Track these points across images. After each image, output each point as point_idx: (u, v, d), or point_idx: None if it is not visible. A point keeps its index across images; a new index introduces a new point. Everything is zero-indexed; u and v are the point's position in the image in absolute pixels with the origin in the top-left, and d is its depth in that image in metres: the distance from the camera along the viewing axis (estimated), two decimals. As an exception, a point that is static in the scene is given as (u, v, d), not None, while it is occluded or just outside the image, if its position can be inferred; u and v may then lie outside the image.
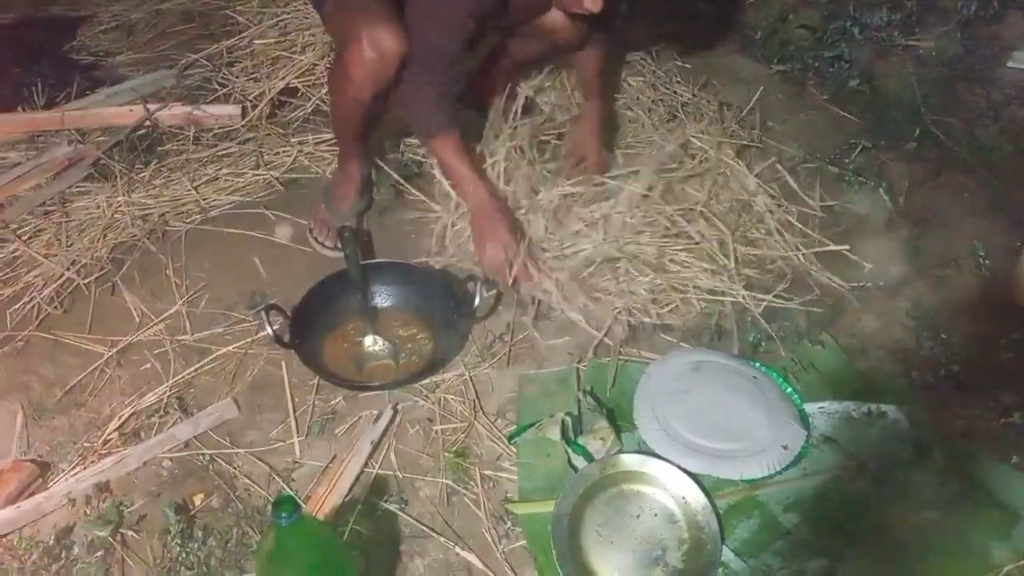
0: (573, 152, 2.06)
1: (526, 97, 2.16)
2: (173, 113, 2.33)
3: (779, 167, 2.13)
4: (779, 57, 2.51)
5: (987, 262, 1.93)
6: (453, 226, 1.97)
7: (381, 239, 2.03)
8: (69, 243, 2.01)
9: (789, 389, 1.68)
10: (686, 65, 2.49)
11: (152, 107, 2.31)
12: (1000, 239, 1.99)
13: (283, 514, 1.09)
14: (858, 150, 2.19)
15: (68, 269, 1.94)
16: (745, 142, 2.19)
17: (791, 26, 2.63)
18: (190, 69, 2.52)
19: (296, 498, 1.12)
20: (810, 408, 1.64)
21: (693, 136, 2.13)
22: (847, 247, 1.95)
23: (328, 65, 2.36)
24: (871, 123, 2.31)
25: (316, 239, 2.00)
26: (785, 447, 1.55)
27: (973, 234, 2.01)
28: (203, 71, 2.51)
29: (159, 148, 2.26)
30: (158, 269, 1.95)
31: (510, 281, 1.72)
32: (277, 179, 2.16)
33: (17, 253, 2.00)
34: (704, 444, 1.56)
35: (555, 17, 1.87)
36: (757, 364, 1.73)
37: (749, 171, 2.07)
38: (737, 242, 1.91)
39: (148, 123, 2.30)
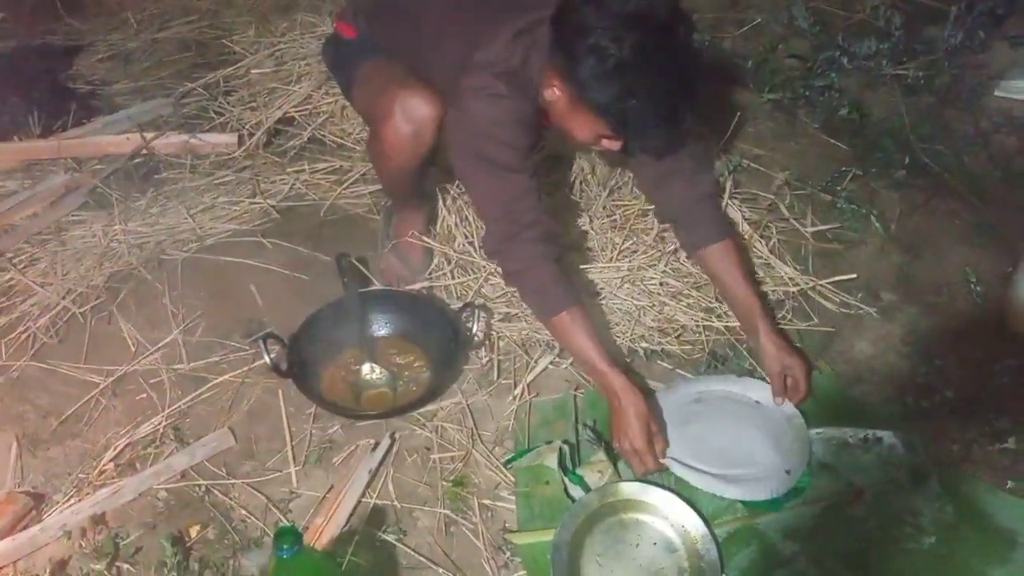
0: (778, 370, 1.69)
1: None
2: (170, 142, 2.34)
3: (770, 195, 2.15)
4: (770, 86, 2.54)
5: (978, 288, 1.95)
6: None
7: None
8: (65, 272, 2.01)
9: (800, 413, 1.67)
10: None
11: (149, 136, 2.33)
12: (991, 265, 2.01)
13: (284, 546, 1.09)
14: (849, 177, 2.21)
15: (64, 298, 1.94)
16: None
17: (781, 56, 2.67)
18: (187, 98, 2.54)
19: (297, 529, 1.11)
20: (807, 435, 1.64)
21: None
22: (853, 275, 1.96)
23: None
24: (861, 151, 2.34)
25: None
26: (788, 472, 1.56)
27: (964, 260, 2.03)
28: (200, 100, 2.53)
29: (155, 176, 2.28)
30: (154, 298, 1.95)
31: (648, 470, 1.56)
32: (274, 207, 2.17)
33: (12, 282, 1.99)
34: (706, 471, 1.57)
35: None
36: (761, 386, 1.71)
37: (739, 200, 2.10)
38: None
39: (145, 152, 2.31)
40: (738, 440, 1.63)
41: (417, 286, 1.92)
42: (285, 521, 1.54)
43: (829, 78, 2.53)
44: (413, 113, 1.64)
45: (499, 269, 1.71)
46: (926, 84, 2.51)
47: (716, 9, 2.92)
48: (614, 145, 1.54)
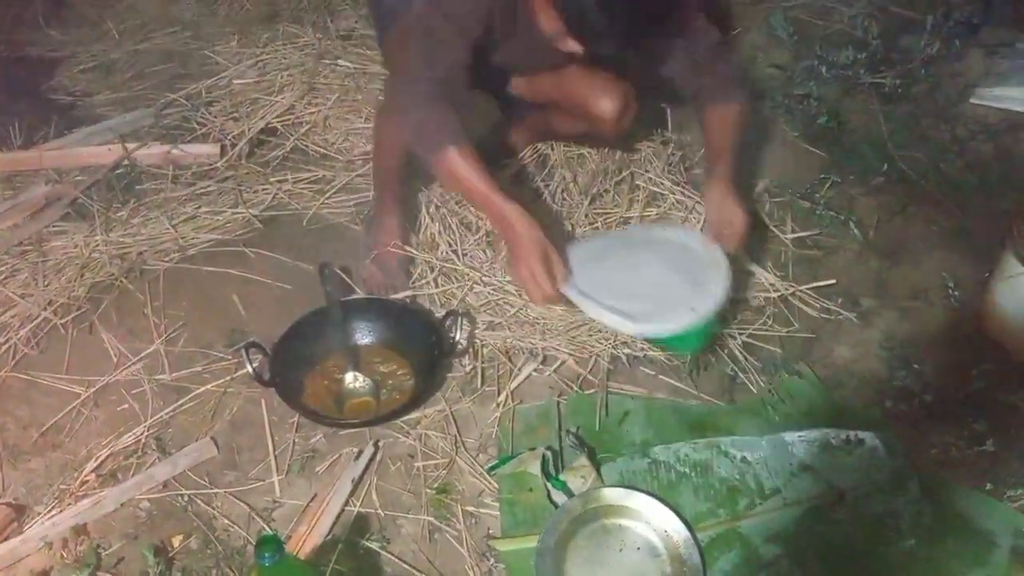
0: (718, 216, 1.75)
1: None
2: (152, 152, 2.33)
3: (750, 202, 2.17)
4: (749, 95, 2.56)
5: (956, 293, 1.98)
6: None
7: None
8: (46, 283, 1.99)
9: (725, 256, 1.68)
10: (661, 105, 2.54)
11: (130, 146, 2.32)
12: (968, 271, 2.04)
13: (266, 554, 1.09)
14: (828, 184, 2.24)
15: (45, 309, 1.92)
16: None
17: (760, 65, 2.69)
18: (169, 109, 2.53)
19: (279, 538, 1.11)
20: (789, 437, 1.66)
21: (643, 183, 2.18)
22: (832, 281, 1.99)
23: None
24: (840, 158, 2.36)
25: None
26: (693, 309, 1.54)
27: (941, 266, 2.06)
28: (182, 111, 2.51)
29: (137, 187, 2.26)
30: (136, 308, 1.94)
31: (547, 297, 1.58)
32: (256, 217, 2.17)
33: (-7, 295, 1.98)
34: (614, 305, 1.56)
35: (595, 100, 1.83)
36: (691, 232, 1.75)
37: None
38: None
39: (126, 162, 2.30)
40: (650, 276, 1.61)
41: (402, 295, 1.93)
42: (268, 530, 1.53)
43: (807, 87, 2.55)
44: None
45: (396, 119, 1.67)
46: (903, 92, 2.55)
47: (696, 19, 2.94)
48: (575, 47, 1.51)
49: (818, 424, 1.69)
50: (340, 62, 2.58)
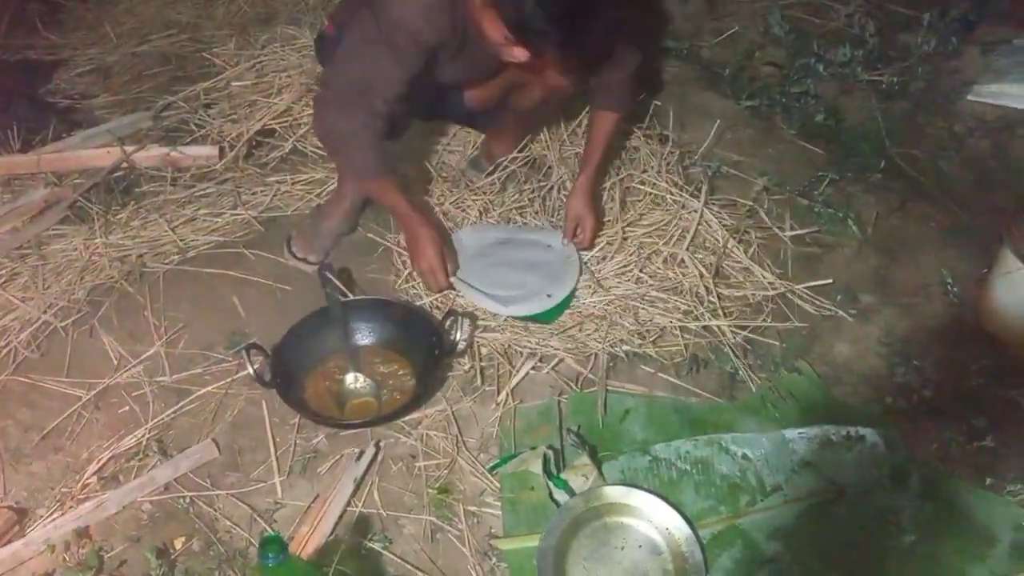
0: (572, 219, 2.00)
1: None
2: (150, 155, 2.33)
3: (749, 200, 2.18)
4: (747, 93, 2.58)
5: (955, 289, 1.98)
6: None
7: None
8: (46, 286, 1.99)
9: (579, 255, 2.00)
10: (656, 102, 2.54)
11: (129, 149, 2.32)
12: (966, 267, 2.05)
13: (270, 554, 1.09)
14: (826, 182, 2.25)
15: (45, 312, 1.93)
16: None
17: (758, 63, 2.70)
18: (167, 111, 2.53)
19: (282, 538, 1.11)
20: (790, 434, 1.66)
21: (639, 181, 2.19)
22: (830, 280, 2.00)
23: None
24: (838, 156, 2.37)
25: (293, 252, 2.06)
26: (549, 295, 1.90)
27: (940, 262, 2.07)
28: (180, 113, 2.52)
29: (136, 190, 2.27)
30: (136, 311, 1.94)
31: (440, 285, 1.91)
32: (255, 218, 2.17)
33: (-7, 297, 1.98)
34: (488, 290, 1.92)
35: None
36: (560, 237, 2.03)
37: (717, 205, 2.13)
38: (716, 281, 1.95)
39: (125, 165, 2.30)
40: (520, 271, 1.97)
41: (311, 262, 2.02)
42: (270, 531, 1.54)
43: (805, 85, 2.57)
44: None
45: (322, 122, 1.81)
46: (900, 90, 2.56)
47: (693, 18, 2.95)
48: (522, 55, 1.58)
49: (818, 421, 1.69)
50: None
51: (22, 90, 2.68)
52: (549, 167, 2.26)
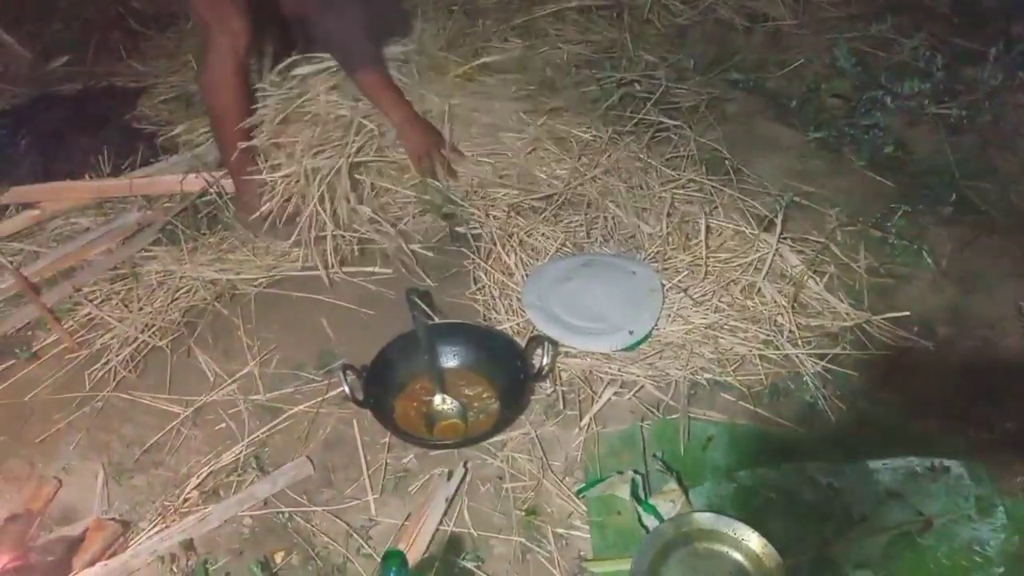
0: (413, 157, 2.33)
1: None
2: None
3: (822, 232, 2.20)
4: (815, 124, 2.61)
5: (1031, 323, 1.99)
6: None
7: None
8: (140, 307, 2.08)
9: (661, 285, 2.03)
10: (723, 131, 2.59)
11: (216, 174, 2.41)
12: (1042, 301, 2.06)
13: (392, 569, 1.14)
14: (898, 214, 2.26)
15: (142, 332, 2.01)
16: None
17: (824, 95, 2.73)
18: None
19: (403, 554, 1.16)
20: (874, 464, 1.68)
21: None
22: (907, 313, 2.00)
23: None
24: (908, 188, 2.39)
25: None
26: (631, 332, 1.90)
27: (1016, 295, 2.07)
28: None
29: (224, 214, 2.35)
30: (230, 331, 2.02)
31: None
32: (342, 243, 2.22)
33: (91, 316, 2.07)
34: (570, 321, 1.94)
35: None
36: (642, 264, 2.09)
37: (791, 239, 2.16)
38: (794, 310, 1.98)
39: (213, 189, 2.39)
40: (602, 299, 1.98)
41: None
42: (366, 547, 1.59)
43: (873, 117, 2.59)
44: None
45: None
46: (968, 123, 2.57)
47: (758, 50, 3.00)
48: None
49: (901, 451, 1.70)
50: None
51: (110, 116, 2.79)
52: (589, 203, 2.31)
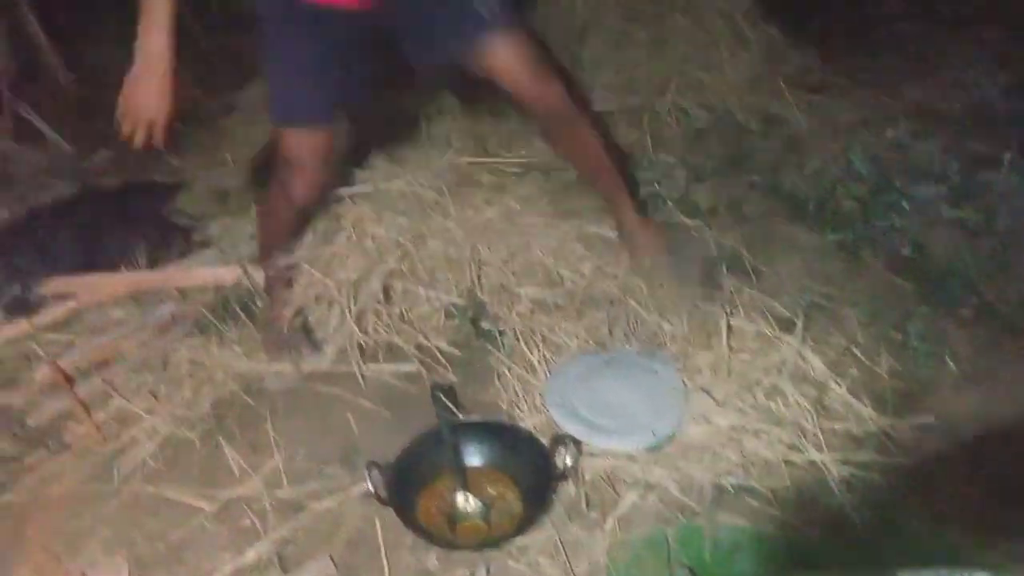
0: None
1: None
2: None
3: (843, 334, 2.22)
4: (832, 226, 2.65)
5: (1059, 430, 1.98)
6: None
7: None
8: (171, 399, 2.11)
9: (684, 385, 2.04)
10: (742, 231, 2.64)
11: (250, 268, 2.48)
12: (1068, 407, 2.05)
13: None
14: (919, 317, 2.28)
15: (171, 424, 2.04)
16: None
17: (841, 197, 2.78)
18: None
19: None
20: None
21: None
22: (931, 418, 2.00)
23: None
24: (928, 290, 2.41)
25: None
26: (653, 432, 1.91)
27: (1041, 400, 2.07)
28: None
29: (255, 307, 2.41)
30: (257, 423, 2.05)
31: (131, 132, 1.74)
32: (367, 340, 2.26)
33: (122, 407, 2.10)
34: (592, 419, 1.96)
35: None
36: (664, 362, 2.11)
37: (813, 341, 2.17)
38: (818, 412, 1.98)
39: (245, 283, 2.46)
40: (623, 397, 2.00)
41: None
42: (388, 653, 1.57)
43: (890, 219, 2.63)
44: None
45: None
46: (986, 226, 2.61)
47: (775, 152, 3.07)
48: None
49: (932, 561, 1.67)
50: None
51: (148, 210, 2.90)
52: (611, 300, 2.34)
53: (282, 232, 2.23)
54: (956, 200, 2.70)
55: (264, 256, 2.29)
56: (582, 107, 2.18)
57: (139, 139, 1.73)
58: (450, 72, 2.47)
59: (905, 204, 2.69)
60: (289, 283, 2.28)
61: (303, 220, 2.25)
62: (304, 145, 1.98)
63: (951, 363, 2.16)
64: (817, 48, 3.65)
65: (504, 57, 1.95)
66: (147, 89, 1.66)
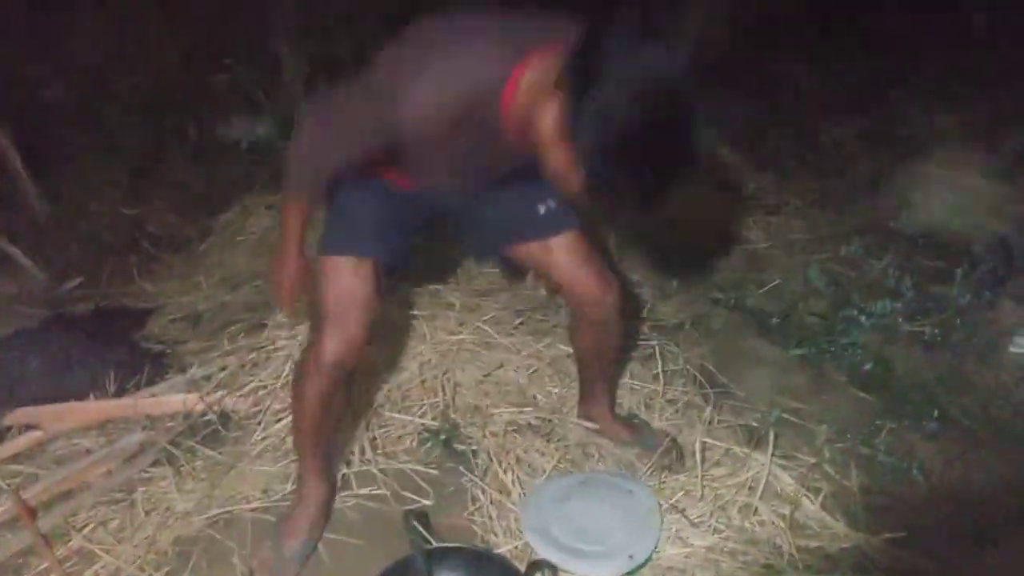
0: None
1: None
2: (238, 399, 2.47)
3: (812, 450, 2.25)
4: (796, 341, 2.73)
5: (1033, 540, 1.99)
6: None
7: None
8: (133, 535, 2.05)
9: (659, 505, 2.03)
10: (708, 347, 2.70)
11: (219, 394, 2.47)
12: (1040, 513, 2.07)
13: None
14: (885, 431, 2.32)
15: (132, 564, 1.97)
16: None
17: (802, 313, 2.88)
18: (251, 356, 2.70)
19: None
20: None
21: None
22: (903, 533, 2.00)
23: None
24: (891, 404, 2.46)
25: None
26: (631, 556, 1.89)
27: (1010, 509, 2.09)
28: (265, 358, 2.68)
29: (225, 434, 2.38)
30: (224, 557, 1.99)
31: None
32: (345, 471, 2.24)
33: (84, 545, 2.04)
34: (569, 544, 1.93)
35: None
36: (638, 483, 2.10)
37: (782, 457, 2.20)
38: (792, 530, 1.99)
39: (216, 409, 2.44)
40: (599, 520, 1.99)
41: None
42: None
43: (851, 334, 2.71)
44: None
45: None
46: (943, 340, 2.69)
47: (736, 270, 3.18)
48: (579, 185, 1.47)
49: None
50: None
51: (119, 336, 2.88)
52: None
53: (317, 413, 1.90)
54: (912, 315, 2.80)
55: (305, 454, 2.00)
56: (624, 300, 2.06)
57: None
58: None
59: (864, 320, 2.78)
60: (329, 492, 2.08)
61: (337, 390, 1.89)
62: (350, 284, 1.82)
63: (919, 476, 2.19)
64: (773, 172, 3.84)
65: (565, 259, 1.94)
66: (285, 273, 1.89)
